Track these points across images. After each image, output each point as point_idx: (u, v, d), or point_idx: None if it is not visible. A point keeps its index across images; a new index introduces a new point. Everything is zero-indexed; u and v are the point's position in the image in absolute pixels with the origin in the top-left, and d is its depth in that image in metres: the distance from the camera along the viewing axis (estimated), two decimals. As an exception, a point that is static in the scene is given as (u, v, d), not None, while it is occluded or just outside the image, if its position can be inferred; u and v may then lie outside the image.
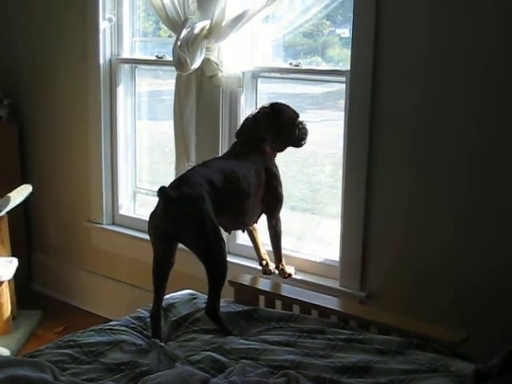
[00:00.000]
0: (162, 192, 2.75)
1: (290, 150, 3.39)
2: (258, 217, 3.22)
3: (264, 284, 3.21)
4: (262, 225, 3.32)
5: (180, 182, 2.89)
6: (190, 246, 2.81)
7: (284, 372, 2.34)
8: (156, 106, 4.69)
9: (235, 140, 3.32)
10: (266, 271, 3.36)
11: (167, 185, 2.87)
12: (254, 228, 3.31)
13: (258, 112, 3.28)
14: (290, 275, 3.36)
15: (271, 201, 3.20)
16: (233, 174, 2.99)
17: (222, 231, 2.94)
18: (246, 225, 3.23)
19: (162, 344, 2.62)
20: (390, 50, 3.16)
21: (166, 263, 2.86)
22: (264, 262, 3.37)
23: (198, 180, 2.86)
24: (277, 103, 3.28)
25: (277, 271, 3.35)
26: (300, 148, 3.38)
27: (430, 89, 3.07)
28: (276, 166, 3.25)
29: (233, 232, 3.54)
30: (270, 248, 3.34)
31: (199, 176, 2.90)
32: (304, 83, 3.92)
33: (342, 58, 3.56)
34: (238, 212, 3.07)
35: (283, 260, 3.33)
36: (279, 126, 3.24)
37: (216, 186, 2.88)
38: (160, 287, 2.87)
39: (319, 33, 3.72)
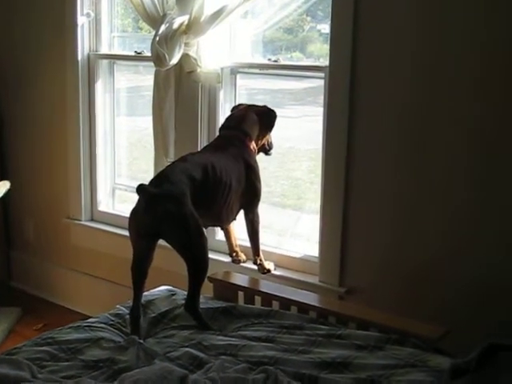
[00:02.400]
0: (142, 189, 2.73)
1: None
2: (237, 213, 3.21)
3: (243, 280, 3.20)
4: (238, 220, 3.31)
5: (160, 178, 2.87)
6: (171, 242, 2.80)
7: (263, 368, 2.33)
8: (136, 101, 4.67)
9: (218, 134, 3.33)
10: (234, 261, 3.40)
11: (147, 181, 2.86)
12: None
13: (247, 109, 3.30)
14: (269, 271, 3.36)
15: (248, 195, 3.19)
16: (213, 167, 2.98)
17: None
18: (227, 221, 3.21)
19: (141, 341, 2.62)
20: (369, 46, 3.15)
21: (145, 260, 2.84)
22: (234, 254, 3.41)
23: (178, 176, 2.84)
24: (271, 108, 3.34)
25: (255, 266, 3.35)
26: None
27: (410, 84, 3.07)
28: (255, 161, 3.25)
29: (212, 228, 3.54)
30: (247, 243, 3.35)
31: (179, 171, 2.88)
32: (284, 79, 3.92)
33: (322, 53, 3.56)
34: (219, 207, 3.05)
35: (261, 255, 3.33)
36: (264, 129, 3.28)
37: (196, 180, 2.87)
38: (139, 284, 2.86)
39: (299, 28, 3.71)
